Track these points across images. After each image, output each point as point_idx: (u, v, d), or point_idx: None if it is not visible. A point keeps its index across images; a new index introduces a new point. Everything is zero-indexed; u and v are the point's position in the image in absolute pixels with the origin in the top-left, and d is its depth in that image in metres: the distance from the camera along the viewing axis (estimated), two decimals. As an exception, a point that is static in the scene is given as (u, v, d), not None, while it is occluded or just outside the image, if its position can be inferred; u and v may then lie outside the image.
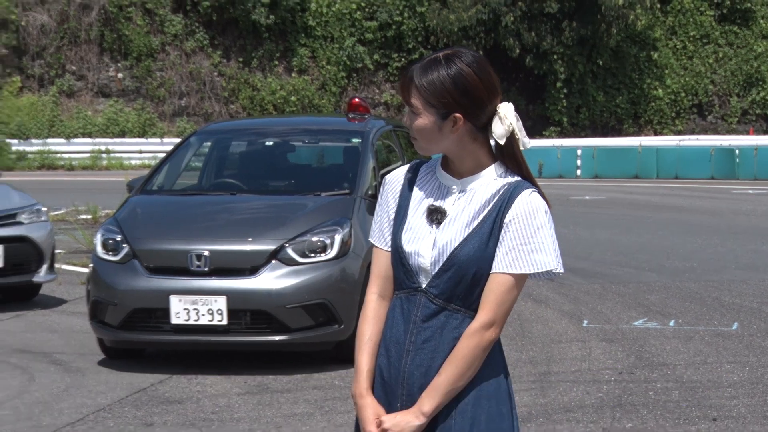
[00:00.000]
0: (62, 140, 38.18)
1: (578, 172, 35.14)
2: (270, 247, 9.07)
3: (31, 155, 37.16)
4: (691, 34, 45.21)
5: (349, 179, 10.02)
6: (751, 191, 29.04)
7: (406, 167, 3.37)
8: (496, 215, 3.15)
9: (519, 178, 3.21)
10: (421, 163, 3.34)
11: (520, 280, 3.16)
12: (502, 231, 3.14)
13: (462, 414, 3.17)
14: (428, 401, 3.14)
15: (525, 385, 8.11)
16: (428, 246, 3.19)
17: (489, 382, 3.20)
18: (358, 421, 3.29)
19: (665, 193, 28.16)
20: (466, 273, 3.15)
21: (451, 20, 40.35)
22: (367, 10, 42.14)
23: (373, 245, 3.37)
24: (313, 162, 11.16)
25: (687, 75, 44.81)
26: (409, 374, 3.19)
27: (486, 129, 3.20)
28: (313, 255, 9.08)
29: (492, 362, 3.21)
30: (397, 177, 3.34)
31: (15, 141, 37.24)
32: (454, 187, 3.24)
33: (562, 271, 3.19)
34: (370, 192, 9.73)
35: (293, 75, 41.66)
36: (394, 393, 3.22)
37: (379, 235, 3.33)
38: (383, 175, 10.22)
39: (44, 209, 12.65)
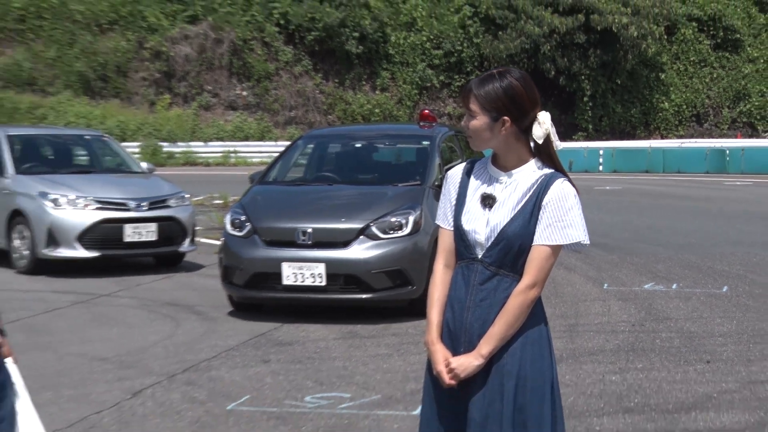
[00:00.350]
0: (201, 143, 38.61)
1: (600, 167, 35.01)
2: (359, 225, 9.11)
3: (177, 155, 37.63)
4: (692, 59, 44.97)
5: (420, 173, 10.03)
6: (738, 183, 29.08)
7: (463, 165, 3.39)
8: (536, 199, 3.16)
9: (553, 171, 3.22)
10: (476, 161, 3.36)
11: (556, 250, 3.18)
12: (541, 212, 3.15)
13: (512, 355, 3.18)
14: (485, 346, 3.15)
15: (557, 334, 8.06)
16: (483, 225, 3.20)
17: (533, 330, 3.21)
18: (429, 362, 3.30)
19: (669, 185, 27.98)
20: (513, 245, 3.16)
21: (501, 49, 40.32)
22: (434, 41, 42.17)
23: (439, 226, 3.39)
24: (392, 160, 11.18)
25: (688, 91, 44.59)
26: (470, 326, 3.20)
27: (527, 131, 3.21)
28: (392, 232, 9.11)
29: (535, 315, 3.23)
30: (456, 172, 3.36)
31: (165, 144, 37.73)
32: (501, 178, 3.25)
33: (588, 242, 3.21)
34: (436, 183, 9.73)
35: (377, 92, 41.76)
36: (458, 341, 3.23)
37: (444, 218, 3.34)
38: (447, 170, 10.25)
39: (187, 196, 12.85)
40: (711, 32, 45.16)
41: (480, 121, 3.19)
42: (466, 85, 3.25)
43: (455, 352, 3.21)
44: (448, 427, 3.26)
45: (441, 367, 3.20)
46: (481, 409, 3.16)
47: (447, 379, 3.18)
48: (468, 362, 3.16)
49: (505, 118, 3.16)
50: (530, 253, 3.16)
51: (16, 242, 12.14)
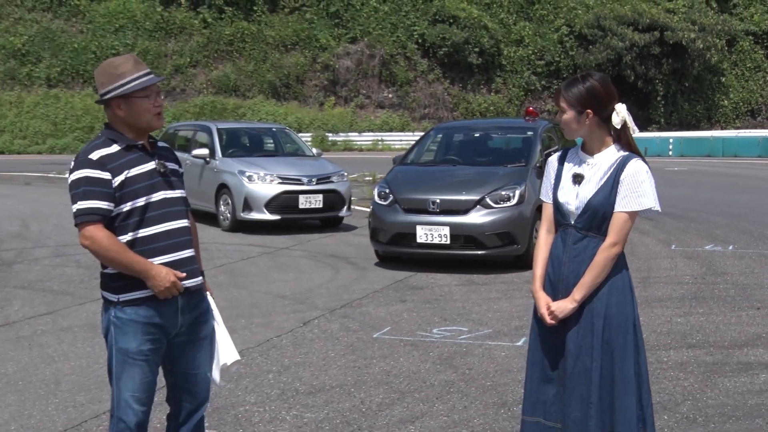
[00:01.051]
0: (356, 134, 38.87)
1: (670, 153, 33.60)
2: (476, 197, 8.97)
3: (338, 142, 38.00)
4: (748, 65, 42.71)
5: (524, 157, 9.80)
6: (785, 165, 27.33)
7: (558, 153, 3.34)
8: (615, 176, 3.10)
9: (629, 152, 3.15)
10: (569, 149, 3.30)
11: (632, 215, 3.10)
12: (619, 186, 3.09)
13: (600, 300, 3.12)
14: (578, 292, 3.11)
15: (633, 285, 7.76)
16: (573, 197, 3.15)
17: (617, 279, 3.15)
18: (535, 307, 3.26)
19: (727, 166, 26.57)
20: (597, 213, 3.10)
21: (590, 59, 39.28)
22: (538, 54, 41.26)
23: (542, 200, 3.34)
24: (502, 146, 10.95)
25: (744, 91, 42.41)
26: (566, 277, 3.15)
27: (608, 121, 3.15)
28: (502, 202, 8.93)
29: (619, 267, 3.16)
30: (554, 158, 3.33)
31: (330, 134, 38.18)
32: (588, 160, 3.19)
33: (659, 209, 3.13)
34: (537, 165, 9.50)
35: (492, 94, 41.16)
36: (557, 289, 3.18)
37: (545, 194, 3.30)
38: (547, 155, 10.00)
39: (345, 173, 12.92)
40: (765, 44, 42.88)
41: (569, 115, 3.14)
42: (559, 87, 3.22)
43: (555, 298, 3.18)
44: (550, 356, 3.22)
45: (543, 310, 3.18)
46: (575, 342, 3.13)
47: (548, 319, 3.17)
48: (564, 306, 3.13)
49: (588, 111, 3.11)
50: (612, 219, 3.10)
51: (222, 207, 12.48)
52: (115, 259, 2.99)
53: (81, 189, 2.98)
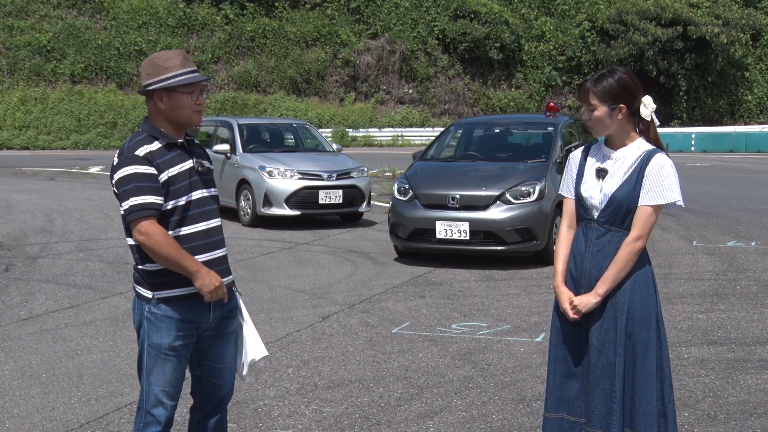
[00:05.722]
0: (376, 129, 38.84)
1: (692, 148, 33.26)
2: (495, 193, 8.93)
3: (359, 138, 38.03)
4: (772, 60, 42.10)
5: (545, 152, 9.73)
6: (810, 161, 26.93)
7: (581, 148, 3.32)
8: (639, 170, 3.09)
9: (653, 147, 3.13)
10: (591, 145, 3.29)
11: (657, 209, 3.09)
12: (643, 180, 3.07)
13: (623, 294, 3.11)
14: (601, 287, 3.10)
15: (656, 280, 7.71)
16: (597, 192, 3.14)
17: (640, 274, 3.13)
18: (556, 302, 3.25)
19: (750, 162, 26.26)
20: (621, 207, 3.09)
21: (612, 55, 38.91)
22: (559, 49, 40.95)
23: (563, 196, 3.32)
24: (522, 142, 10.89)
25: (768, 86, 41.85)
26: (589, 272, 3.13)
27: (636, 114, 3.14)
28: (522, 198, 8.89)
29: (642, 262, 3.14)
30: (576, 154, 3.31)
31: (350, 130, 38.18)
32: (612, 155, 3.17)
33: (682, 204, 3.11)
34: (558, 161, 9.44)
35: (512, 89, 40.92)
36: (579, 284, 3.17)
37: (567, 189, 3.29)
38: (568, 151, 9.93)
39: (365, 169, 12.91)
40: (790, 38, 42.13)
41: (600, 111, 3.11)
42: (583, 85, 3.17)
43: (577, 293, 3.17)
44: (573, 351, 3.20)
45: (566, 305, 3.16)
46: (598, 336, 3.12)
47: (571, 314, 3.15)
48: (588, 300, 3.12)
49: (621, 105, 3.10)
50: (636, 213, 3.09)
51: (242, 203, 12.53)
52: (170, 255, 2.97)
53: (132, 185, 2.97)
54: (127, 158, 3.00)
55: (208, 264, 3.09)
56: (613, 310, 3.10)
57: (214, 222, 3.17)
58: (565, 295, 3.17)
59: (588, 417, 3.15)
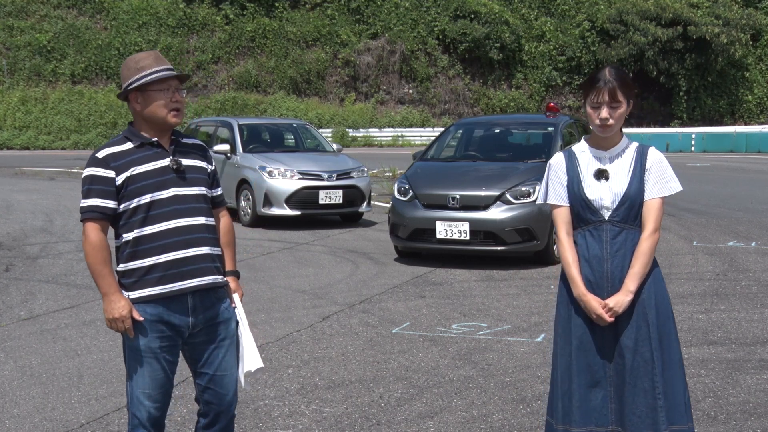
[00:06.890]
0: (376, 129, 38.86)
1: (692, 148, 33.25)
2: (496, 193, 8.93)
3: (359, 138, 38.04)
4: (772, 60, 42.13)
5: (545, 152, 9.74)
6: (810, 161, 26.96)
7: (560, 153, 3.24)
8: (640, 165, 3.12)
9: (636, 143, 3.19)
10: (570, 150, 3.24)
11: (663, 201, 3.14)
12: (647, 174, 3.11)
13: (648, 290, 3.12)
14: (632, 283, 3.09)
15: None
16: (606, 192, 3.12)
17: (655, 270, 3.16)
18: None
19: (750, 162, 26.26)
20: (635, 203, 3.10)
21: (612, 55, 38.90)
22: (559, 49, 40.96)
23: (554, 205, 3.21)
24: (523, 142, 10.89)
25: (768, 86, 41.87)
26: (611, 273, 3.11)
27: None
28: (522, 198, 8.89)
29: (654, 258, 3.17)
30: (559, 160, 3.23)
31: (350, 130, 38.20)
32: (605, 155, 3.17)
33: (681, 188, 3.18)
34: (558, 160, 9.44)
35: (512, 90, 40.93)
36: (600, 288, 3.12)
37: (558, 197, 3.20)
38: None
39: (365, 169, 12.91)
40: (790, 38, 42.16)
41: (624, 108, 3.12)
42: (600, 79, 3.07)
43: (600, 297, 3.12)
44: (596, 359, 3.13)
45: (600, 311, 3.09)
46: (631, 336, 3.10)
47: (607, 318, 3.09)
48: (621, 299, 3.09)
49: (632, 101, 3.15)
50: (646, 207, 3.10)
51: (242, 203, 12.53)
52: (92, 265, 3.04)
53: (86, 187, 3.07)
54: (90, 159, 3.10)
55: (180, 262, 3.06)
56: (642, 307, 3.10)
57: (193, 220, 3.11)
58: (594, 301, 3.08)
59: (624, 423, 3.09)
